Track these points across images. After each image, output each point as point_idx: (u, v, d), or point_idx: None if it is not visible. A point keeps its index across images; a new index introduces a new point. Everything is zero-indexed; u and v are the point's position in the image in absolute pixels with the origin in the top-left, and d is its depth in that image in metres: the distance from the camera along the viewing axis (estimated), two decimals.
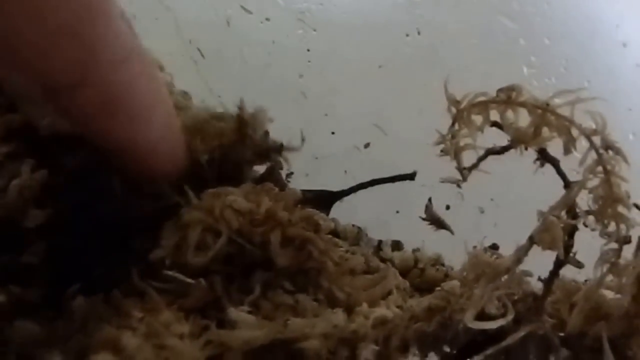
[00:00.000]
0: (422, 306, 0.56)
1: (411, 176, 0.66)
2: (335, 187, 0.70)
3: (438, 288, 0.60)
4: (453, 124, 0.56)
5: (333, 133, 0.76)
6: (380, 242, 0.76)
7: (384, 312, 0.55)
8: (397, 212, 0.72)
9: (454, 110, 0.55)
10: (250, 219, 0.62)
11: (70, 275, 0.68)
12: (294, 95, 0.77)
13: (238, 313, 0.55)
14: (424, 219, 0.68)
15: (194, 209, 0.62)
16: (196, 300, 0.61)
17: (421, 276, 0.69)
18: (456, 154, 0.56)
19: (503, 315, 0.56)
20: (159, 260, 0.62)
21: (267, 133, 0.68)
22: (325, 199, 0.69)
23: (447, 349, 0.58)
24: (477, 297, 0.53)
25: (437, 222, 0.68)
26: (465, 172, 0.56)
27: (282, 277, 0.63)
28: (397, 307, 0.62)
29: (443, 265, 0.73)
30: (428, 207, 0.68)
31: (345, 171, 0.74)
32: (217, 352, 0.56)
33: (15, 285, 0.65)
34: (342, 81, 0.76)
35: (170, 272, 0.61)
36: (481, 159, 0.55)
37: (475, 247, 0.66)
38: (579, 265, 0.54)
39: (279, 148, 0.69)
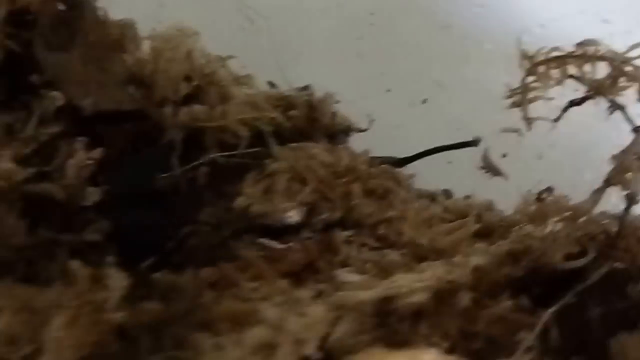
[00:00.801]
0: (503, 251, 0.59)
1: (475, 143, 0.69)
2: (391, 146, 0.71)
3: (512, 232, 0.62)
4: (525, 78, 0.60)
5: (389, 90, 0.78)
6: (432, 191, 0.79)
7: (479, 259, 0.57)
8: (449, 162, 0.74)
9: (526, 64, 0.60)
10: (332, 171, 0.66)
11: (140, 250, 0.68)
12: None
13: (349, 274, 0.56)
14: (481, 167, 0.71)
15: (282, 159, 0.65)
16: (293, 265, 0.62)
17: (479, 222, 0.72)
18: (525, 105, 0.60)
19: (584, 255, 0.59)
20: (243, 208, 0.65)
21: (334, 115, 0.72)
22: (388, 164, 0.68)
23: (536, 291, 0.59)
24: (562, 239, 0.57)
25: (493, 170, 0.72)
26: (530, 121, 0.61)
27: (363, 232, 0.65)
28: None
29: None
30: (485, 156, 0.71)
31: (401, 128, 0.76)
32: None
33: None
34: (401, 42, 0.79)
35: (263, 240, 0.63)
36: (565, 109, 0.60)
37: (529, 191, 0.70)
38: None
39: (347, 129, 0.74)
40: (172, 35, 0.71)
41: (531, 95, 0.63)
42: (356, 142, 0.73)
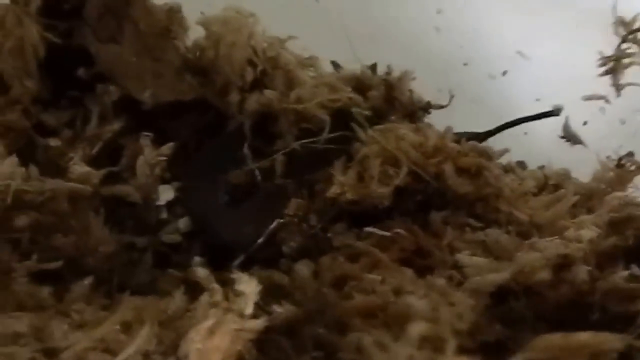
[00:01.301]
0: (605, 221, 0.58)
1: (556, 112, 0.68)
2: (469, 120, 0.71)
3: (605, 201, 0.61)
4: (621, 44, 0.59)
5: (466, 64, 0.76)
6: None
7: (591, 233, 0.56)
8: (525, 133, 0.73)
9: (621, 31, 0.58)
10: (422, 151, 0.64)
11: (224, 249, 0.66)
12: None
13: (470, 258, 0.54)
14: (562, 137, 0.70)
15: (371, 143, 0.64)
16: (402, 252, 0.62)
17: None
18: (619, 72, 0.59)
19: None
20: (336, 196, 0.64)
21: (411, 93, 0.72)
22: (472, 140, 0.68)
23: None
24: None
25: (574, 139, 0.71)
26: (620, 87, 0.60)
27: (459, 212, 0.65)
28: None
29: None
30: (566, 125, 0.70)
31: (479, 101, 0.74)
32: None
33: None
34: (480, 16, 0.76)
35: (370, 228, 0.62)
36: None
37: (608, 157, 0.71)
38: None
39: (426, 107, 0.74)
40: (231, 17, 0.67)
41: (626, 61, 0.61)
42: (434, 118, 0.69)
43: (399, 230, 0.60)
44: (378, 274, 0.54)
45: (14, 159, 0.59)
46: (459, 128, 0.70)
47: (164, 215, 0.69)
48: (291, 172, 0.69)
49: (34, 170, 0.60)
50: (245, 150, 0.70)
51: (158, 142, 0.71)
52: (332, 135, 0.66)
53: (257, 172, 0.70)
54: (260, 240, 0.65)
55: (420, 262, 0.60)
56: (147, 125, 0.71)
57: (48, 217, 0.57)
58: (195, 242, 0.68)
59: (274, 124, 0.72)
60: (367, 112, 0.67)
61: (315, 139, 0.66)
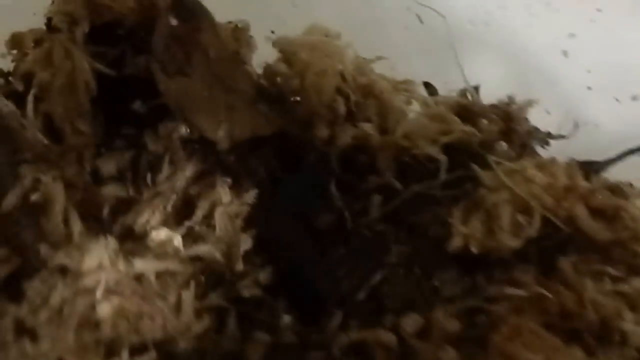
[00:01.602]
0: None
1: None
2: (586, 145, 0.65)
3: None
4: None
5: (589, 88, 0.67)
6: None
7: None
8: None
9: None
10: (552, 194, 0.58)
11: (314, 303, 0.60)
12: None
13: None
14: None
15: (500, 188, 0.57)
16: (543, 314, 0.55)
17: None
18: None
19: None
20: (458, 249, 0.57)
21: (527, 120, 0.65)
22: (591, 169, 0.64)
23: None
24: None
25: None
26: None
27: (592, 258, 0.58)
28: None
29: None
30: None
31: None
32: None
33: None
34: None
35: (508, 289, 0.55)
36: None
37: None
38: None
39: (545, 139, 0.66)
40: (320, 42, 0.58)
41: None
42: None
43: (539, 289, 0.54)
44: (532, 350, 0.46)
45: (102, 242, 0.49)
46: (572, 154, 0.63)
47: (240, 266, 0.61)
48: (389, 213, 0.62)
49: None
50: (332, 188, 0.62)
51: (234, 185, 0.62)
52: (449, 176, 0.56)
53: (347, 214, 0.62)
54: (361, 295, 0.59)
55: (563, 325, 0.54)
56: (220, 166, 0.61)
57: (134, 301, 0.48)
58: (280, 296, 0.60)
59: (363, 157, 0.65)
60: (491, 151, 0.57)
61: (431, 182, 0.56)
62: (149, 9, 0.67)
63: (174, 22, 0.65)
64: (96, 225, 0.57)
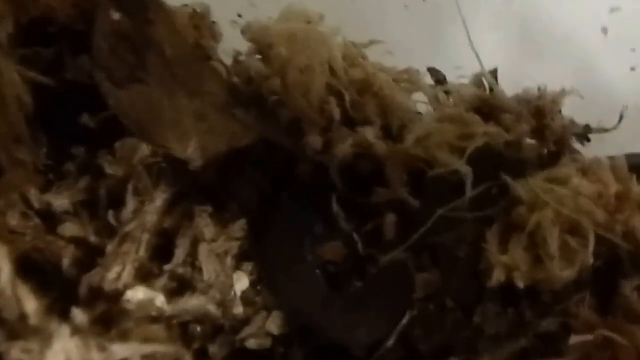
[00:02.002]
0: None
1: None
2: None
3: None
4: None
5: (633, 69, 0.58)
6: None
7: None
8: None
9: None
10: (603, 205, 0.50)
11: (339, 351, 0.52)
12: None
13: None
14: None
15: (540, 205, 0.48)
16: None
17: None
18: None
19: None
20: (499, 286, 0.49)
21: (561, 113, 0.55)
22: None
23: None
24: None
25: None
26: None
27: None
28: None
29: None
30: None
31: None
32: None
33: None
34: None
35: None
36: None
37: None
38: None
39: (585, 134, 0.57)
40: (300, 31, 0.48)
41: None
42: None
43: (608, 333, 0.46)
44: None
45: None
46: (615, 146, 0.55)
47: (239, 309, 0.53)
48: (405, 235, 0.52)
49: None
50: (335, 207, 0.54)
51: (216, 213, 0.54)
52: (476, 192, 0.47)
53: (356, 238, 0.54)
54: (390, 343, 0.51)
55: None
56: (196, 190, 0.54)
57: None
58: (293, 346, 0.53)
59: (366, 164, 0.55)
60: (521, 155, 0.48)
61: (456, 202, 0.47)
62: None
63: (116, 16, 0.53)
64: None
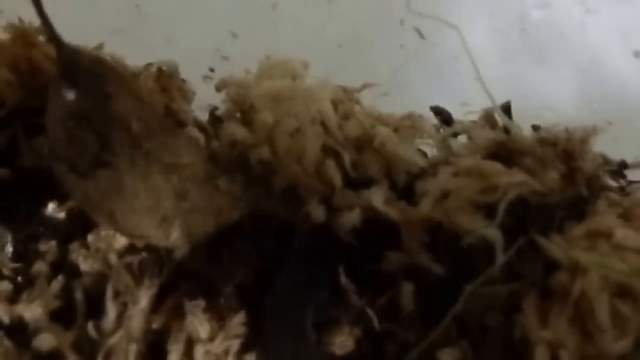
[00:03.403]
0: None
1: None
2: None
3: None
4: None
5: None
6: None
7: None
8: None
9: None
10: None
11: None
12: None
13: None
14: None
15: (582, 268, 0.42)
16: None
17: None
18: None
19: None
20: None
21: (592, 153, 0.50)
22: None
23: None
24: None
25: None
26: None
27: None
28: None
29: None
30: None
31: None
32: None
33: None
34: None
35: None
36: None
37: None
38: None
39: (620, 170, 0.52)
40: (283, 89, 0.42)
41: None
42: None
43: None
44: None
45: None
46: None
47: None
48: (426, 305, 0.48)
49: None
50: (343, 279, 0.48)
51: (212, 305, 0.48)
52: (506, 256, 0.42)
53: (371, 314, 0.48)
54: None
55: None
56: (184, 280, 0.48)
57: None
58: None
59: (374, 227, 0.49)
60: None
61: (488, 271, 0.41)
62: (32, 77, 0.49)
63: (70, 95, 0.47)
64: None
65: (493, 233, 0.45)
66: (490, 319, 0.47)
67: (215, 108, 0.55)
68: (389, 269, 0.49)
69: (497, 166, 0.47)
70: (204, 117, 0.55)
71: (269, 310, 0.50)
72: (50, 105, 0.48)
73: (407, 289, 0.48)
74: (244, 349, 0.48)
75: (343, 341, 0.48)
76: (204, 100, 0.54)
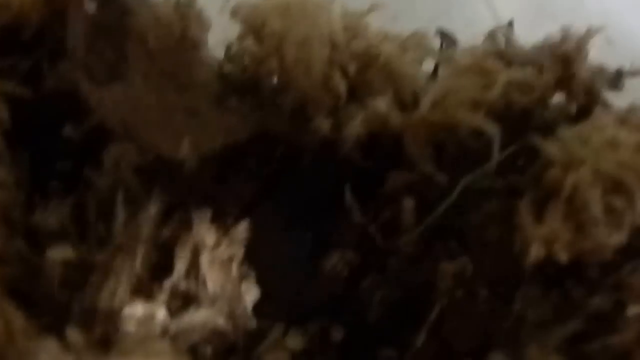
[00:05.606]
0: None
1: None
2: None
3: None
4: None
5: None
6: None
7: None
8: None
9: None
10: None
11: None
12: None
13: None
14: None
15: (576, 164, 0.44)
16: None
17: None
18: None
19: None
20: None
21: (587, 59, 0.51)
22: None
23: None
24: None
25: None
26: None
27: None
28: None
29: None
30: None
31: None
32: None
33: None
34: None
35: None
36: None
37: None
38: None
39: (617, 80, 0.52)
40: (294, 1, 0.45)
41: None
42: None
43: None
44: None
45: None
46: None
47: (252, 323, 0.49)
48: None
49: None
50: (348, 197, 0.50)
51: (217, 217, 0.50)
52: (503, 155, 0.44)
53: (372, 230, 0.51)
54: (420, 339, 0.47)
55: None
56: (192, 194, 0.51)
57: None
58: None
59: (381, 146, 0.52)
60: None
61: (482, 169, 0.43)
62: None
63: (91, 7, 0.51)
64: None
65: (491, 127, 0.47)
66: (491, 233, 0.49)
67: (231, 44, 0.58)
68: (392, 188, 0.52)
69: (497, 64, 0.50)
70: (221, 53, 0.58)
71: (270, 231, 0.53)
72: (72, 16, 0.52)
73: (408, 205, 0.50)
74: (249, 264, 0.51)
75: (336, 263, 0.51)
76: (222, 35, 0.57)
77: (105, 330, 0.45)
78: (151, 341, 0.44)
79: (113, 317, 0.45)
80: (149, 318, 0.45)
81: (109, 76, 0.51)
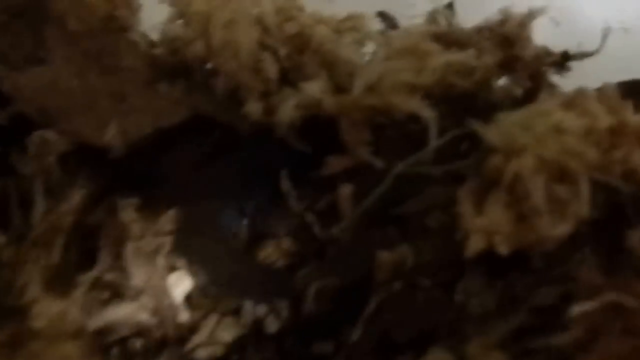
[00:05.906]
0: None
1: None
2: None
3: None
4: None
5: None
6: None
7: None
8: None
9: None
10: (594, 142, 0.43)
11: None
12: None
13: None
14: None
15: (518, 150, 0.42)
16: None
17: None
18: None
19: None
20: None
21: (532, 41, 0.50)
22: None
23: None
24: None
25: None
26: None
27: None
28: None
29: None
30: None
31: None
32: None
33: None
34: None
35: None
36: None
37: None
38: None
39: (563, 61, 0.51)
40: None
41: None
42: None
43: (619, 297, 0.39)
44: None
45: None
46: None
47: (184, 316, 0.48)
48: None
49: None
50: (285, 184, 0.49)
51: (145, 205, 0.49)
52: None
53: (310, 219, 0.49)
54: (356, 333, 0.45)
55: None
56: (121, 182, 0.49)
57: None
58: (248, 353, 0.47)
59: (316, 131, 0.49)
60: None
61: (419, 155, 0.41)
62: None
63: None
64: None
65: (426, 111, 0.45)
66: (431, 220, 0.47)
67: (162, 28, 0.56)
68: (329, 174, 0.50)
69: (434, 46, 0.47)
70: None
71: (203, 219, 0.51)
72: None
73: (345, 191, 0.48)
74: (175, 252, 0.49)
75: (270, 253, 0.49)
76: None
77: (14, 330, 0.42)
78: (62, 342, 0.42)
79: (22, 315, 0.43)
80: (62, 316, 0.43)
81: (27, 61, 0.49)
